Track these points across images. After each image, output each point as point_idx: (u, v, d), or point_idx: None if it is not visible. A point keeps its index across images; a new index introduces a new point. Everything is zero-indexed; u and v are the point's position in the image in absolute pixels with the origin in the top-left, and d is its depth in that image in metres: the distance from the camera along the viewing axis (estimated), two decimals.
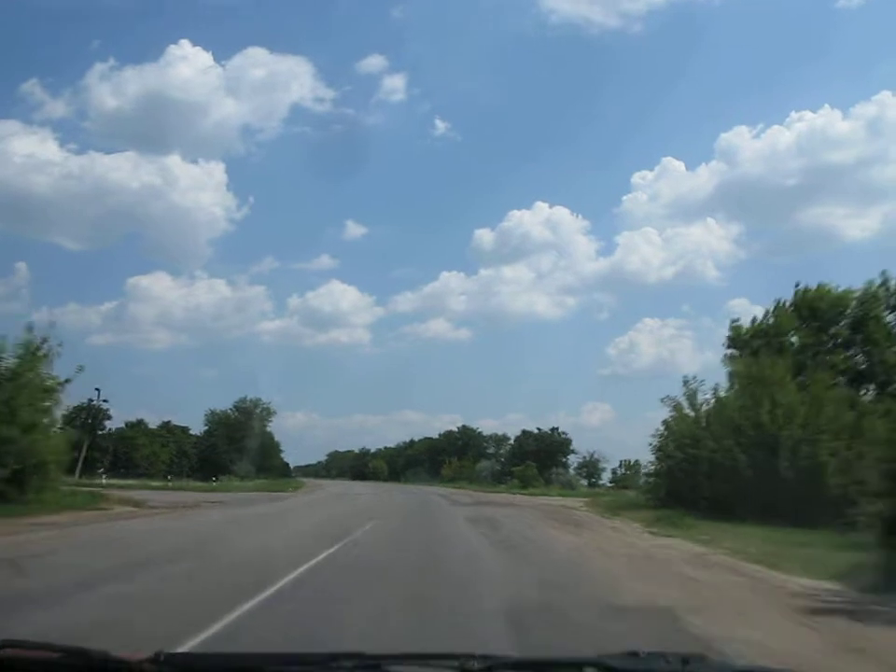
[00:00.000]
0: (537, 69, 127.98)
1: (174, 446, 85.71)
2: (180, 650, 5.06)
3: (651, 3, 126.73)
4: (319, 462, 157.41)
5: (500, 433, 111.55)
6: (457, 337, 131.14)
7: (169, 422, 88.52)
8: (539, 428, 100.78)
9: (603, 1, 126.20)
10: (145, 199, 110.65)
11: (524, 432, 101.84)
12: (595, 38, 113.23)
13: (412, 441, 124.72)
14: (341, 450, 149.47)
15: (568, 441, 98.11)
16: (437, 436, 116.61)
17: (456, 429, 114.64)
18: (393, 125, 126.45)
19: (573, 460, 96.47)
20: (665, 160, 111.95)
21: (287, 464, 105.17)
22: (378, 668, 2.22)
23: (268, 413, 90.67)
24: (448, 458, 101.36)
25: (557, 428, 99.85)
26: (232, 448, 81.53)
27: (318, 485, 71.54)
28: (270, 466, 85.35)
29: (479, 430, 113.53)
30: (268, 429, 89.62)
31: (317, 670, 2.25)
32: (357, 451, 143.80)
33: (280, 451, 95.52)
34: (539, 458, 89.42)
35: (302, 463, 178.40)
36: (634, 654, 2.33)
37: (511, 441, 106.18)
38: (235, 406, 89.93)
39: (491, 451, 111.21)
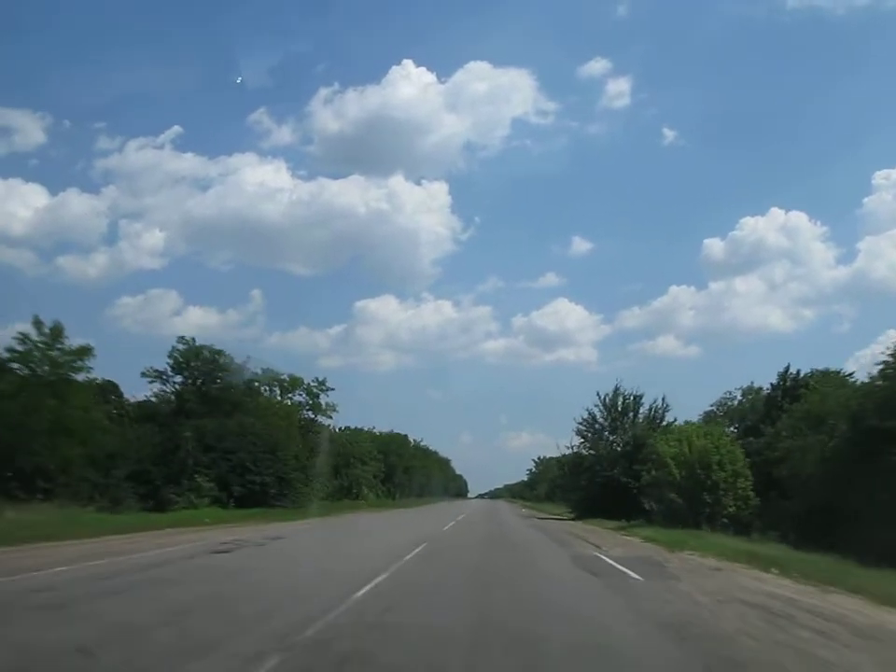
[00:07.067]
0: (769, 61, 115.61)
1: None
2: None
3: None
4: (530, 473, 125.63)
5: None
6: (686, 354, 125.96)
7: None
8: None
9: None
10: (370, 222, 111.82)
11: None
12: (840, 20, 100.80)
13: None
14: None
15: None
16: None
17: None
18: (618, 133, 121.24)
19: None
20: None
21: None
22: None
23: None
24: None
25: None
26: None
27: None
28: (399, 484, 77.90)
29: None
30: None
31: None
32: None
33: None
34: None
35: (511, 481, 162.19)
36: None
37: None
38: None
39: None
